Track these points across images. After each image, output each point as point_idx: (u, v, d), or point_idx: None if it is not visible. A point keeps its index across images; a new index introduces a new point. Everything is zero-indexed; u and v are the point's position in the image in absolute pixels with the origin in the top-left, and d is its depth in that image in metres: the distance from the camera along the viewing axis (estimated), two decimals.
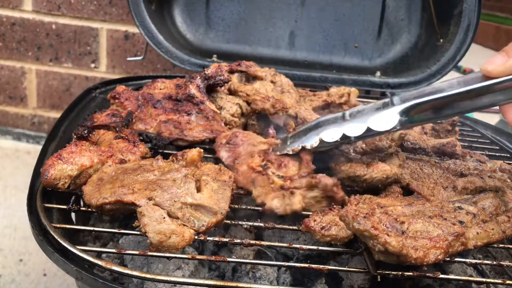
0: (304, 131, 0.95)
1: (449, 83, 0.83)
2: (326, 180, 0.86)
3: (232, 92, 1.23)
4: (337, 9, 1.66)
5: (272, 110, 1.13)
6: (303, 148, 0.92)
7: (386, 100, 0.88)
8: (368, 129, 0.86)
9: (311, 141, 0.92)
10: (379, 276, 0.74)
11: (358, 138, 0.88)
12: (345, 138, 0.88)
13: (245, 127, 1.19)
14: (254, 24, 1.67)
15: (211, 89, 1.19)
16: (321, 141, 0.90)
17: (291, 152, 0.93)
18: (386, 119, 0.86)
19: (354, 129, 0.87)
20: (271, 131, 1.03)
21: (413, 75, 1.56)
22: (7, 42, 2.05)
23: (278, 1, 1.65)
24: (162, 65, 2.03)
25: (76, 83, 2.10)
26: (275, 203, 0.85)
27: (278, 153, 0.94)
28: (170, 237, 0.74)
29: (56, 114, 2.16)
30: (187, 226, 0.77)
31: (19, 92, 2.14)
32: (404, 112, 0.85)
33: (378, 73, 1.62)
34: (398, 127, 0.85)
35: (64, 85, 2.12)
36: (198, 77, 1.18)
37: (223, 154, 0.99)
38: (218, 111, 1.14)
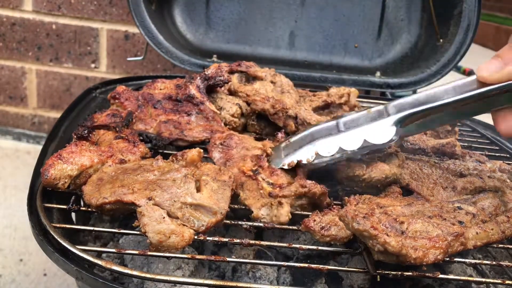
0: (299, 142, 0.94)
1: (444, 90, 0.82)
2: (315, 189, 0.86)
3: (232, 93, 1.23)
4: (337, 9, 1.66)
5: (272, 110, 1.13)
6: (299, 163, 0.91)
7: (381, 108, 0.87)
8: (365, 142, 0.86)
9: (307, 155, 0.91)
10: (378, 276, 0.74)
11: (355, 152, 0.88)
12: (341, 152, 0.88)
13: (245, 127, 1.19)
14: (254, 24, 1.67)
15: (211, 90, 1.19)
16: (318, 155, 0.90)
17: (286, 167, 0.92)
18: (382, 131, 0.85)
19: (351, 142, 0.87)
20: (280, 135, 1.03)
21: (413, 75, 1.56)
22: (7, 42, 2.05)
23: (278, 1, 1.66)
24: (162, 65, 2.03)
25: (76, 83, 2.11)
26: (262, 212, 0.84)
27: (273, 166, 0.93)
28: (169, 237, 0.74)
29: (56, 114, 2.17)
30: (186, 226, 0.77)
31: (19, 92, 2.15)
32: (399, 122, 0.84)
33: (378, 73, 1.62)
34: (395, 139, 0.85)
35: (64, 85, 2.12)
36: (198, 78, 1.18)
37: (215, 154, 0.99)
38: (218, 112, 1.14)
